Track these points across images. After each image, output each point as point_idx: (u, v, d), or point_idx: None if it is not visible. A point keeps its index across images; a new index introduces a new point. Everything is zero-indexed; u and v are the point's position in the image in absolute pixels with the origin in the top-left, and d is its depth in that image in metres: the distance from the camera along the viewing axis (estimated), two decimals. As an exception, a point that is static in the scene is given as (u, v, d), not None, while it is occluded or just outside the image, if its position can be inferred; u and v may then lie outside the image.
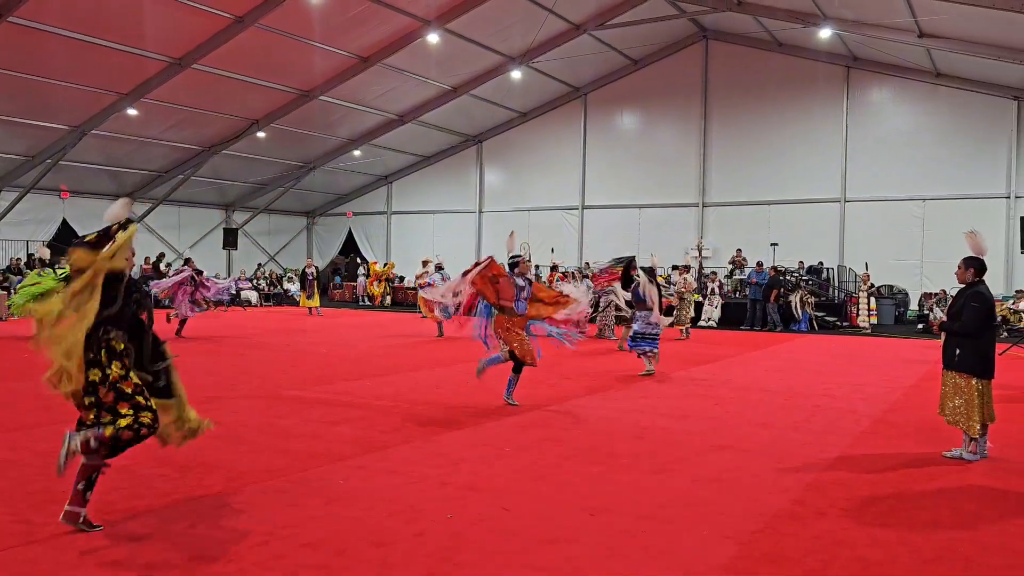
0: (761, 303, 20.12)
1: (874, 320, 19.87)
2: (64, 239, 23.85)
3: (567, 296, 8.65)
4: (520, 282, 8.36)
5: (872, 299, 20.02)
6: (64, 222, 23.94)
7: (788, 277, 21.11)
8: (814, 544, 4.24)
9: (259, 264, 29.82)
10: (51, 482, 4.62)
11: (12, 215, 22.61)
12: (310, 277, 23.49)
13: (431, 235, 29.42)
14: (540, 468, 5.72)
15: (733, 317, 20.77)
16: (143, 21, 17.12)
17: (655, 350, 10.90)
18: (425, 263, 20.15)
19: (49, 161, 21.97)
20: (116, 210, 4.62)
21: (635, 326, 11.01)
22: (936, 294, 20.40)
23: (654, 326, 10.87)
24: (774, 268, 20.67)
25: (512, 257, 8.58)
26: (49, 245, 21.04)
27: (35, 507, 4.56)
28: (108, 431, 4.23)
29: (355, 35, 19.91)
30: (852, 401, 8.95)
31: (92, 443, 4.21)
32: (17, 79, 18.29)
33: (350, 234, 31.63)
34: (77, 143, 21.40)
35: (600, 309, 16.50)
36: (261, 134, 24.01)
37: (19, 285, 15.45)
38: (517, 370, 8.35)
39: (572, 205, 27.45)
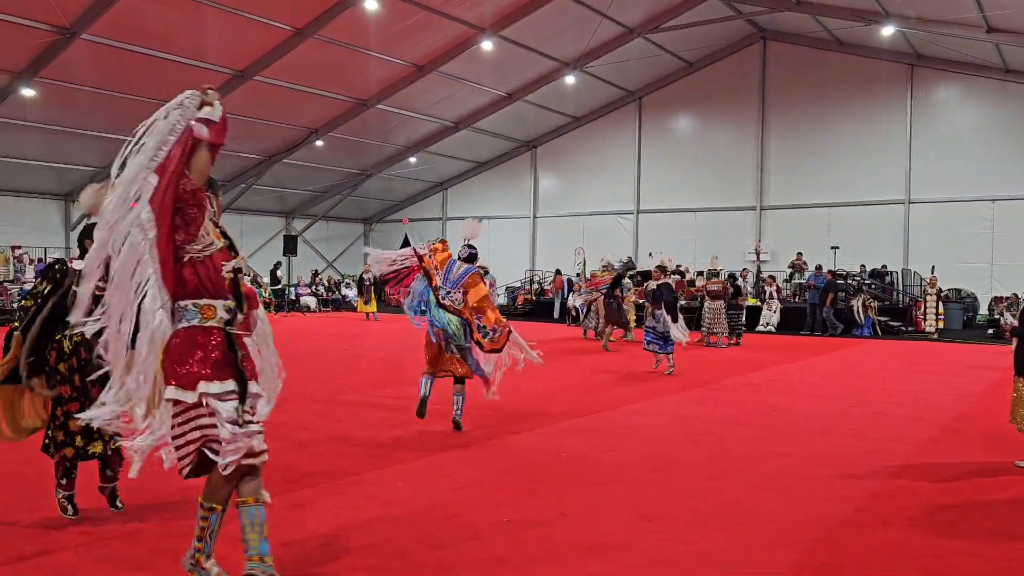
0: (820, 307, 19.70)
1: (941, 325, 19.27)
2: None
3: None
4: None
5: (939, 303, 19.42)
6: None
7: (849, 281, 20.63)
8: (876, 554, 4.15)
9: (314, 271, 30.39)
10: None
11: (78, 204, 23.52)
12: (367, 283, 23.86)
13: (486, 241, 29.48)
14: (595, 473, 5.72)
15: (793, 322, 20.37)
16: (207, 35, 17.68)
17: (669, 351, 11.39)
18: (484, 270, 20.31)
19: (119, 172, 22.78)
20: (89, 200, 4.39)
21: (648, 323, 11.62)
22: (1007, 298, 19.70)
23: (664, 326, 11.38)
24: (831, 272, 20.23)
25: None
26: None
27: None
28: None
29: (411, 44, 20.20)
30: (917, 408, 8.71)
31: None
32: (90, 94, 19.07)
33: (406, 240, 31.94)
34: (145, 154, 22.15)
35: (587, 312, 16.69)
36: (320, 143, 24.51)
37: None
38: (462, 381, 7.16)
39: (627, 209, 27.32)
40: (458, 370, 7.01)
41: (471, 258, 7.21)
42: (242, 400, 3.33)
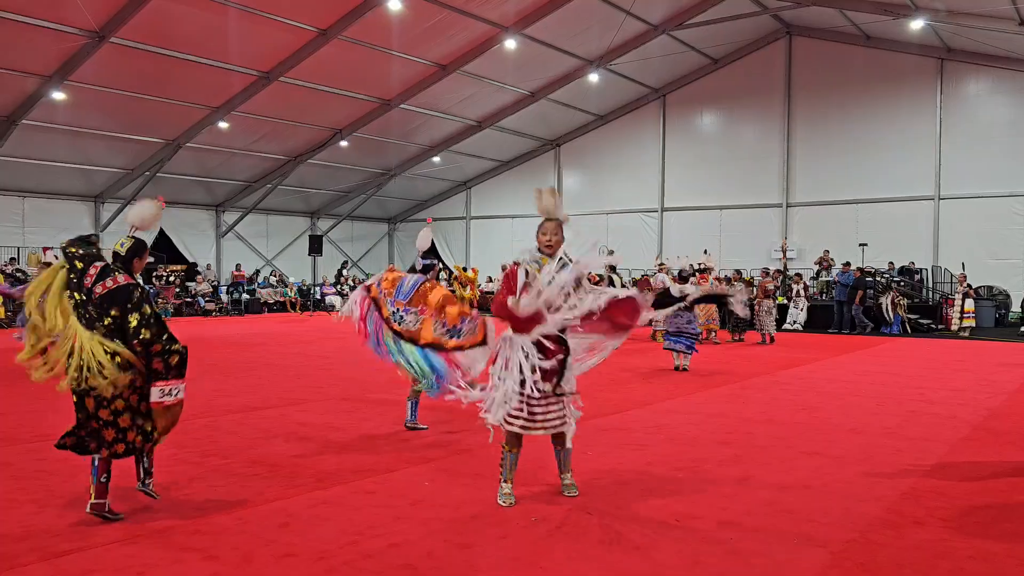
0: (846, 305, 19.47)
1: (971, 323, 18.96)
2: (161, 247, 24.99)
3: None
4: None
5: (969, 300, 19.11)
6: (161, 231, 25.07)
7: (877, 278, 20.37)
8: (911, 555, 4.07)
9: (342, 264, 30.69)
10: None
11: (113, 225, 23.89)
12: (392, 282, 23.95)
13: (509, 240, 29.58)
14: (622, 473, 5.68)
15: (820, 320, 20.16)
16: (232, 38, 17.85)
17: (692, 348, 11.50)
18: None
19: (148, 174, 23.09)
20: (149, 216, 4.70)
21: (670, 327, 11.52)
22: (1040, 295, 19.34)
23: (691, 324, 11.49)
24: (859, 269, 19.98)
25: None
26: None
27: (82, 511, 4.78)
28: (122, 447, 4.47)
29: (434, 43, 20.25)
30: (950, 406, 8.56)
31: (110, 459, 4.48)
32: (119, 96, 19.33)
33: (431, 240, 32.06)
34: (173, 156, 22.42)
35: None
36: (344, 143, 24.64)
37: None
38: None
39: (651, 208, 27.19)
40: None
41: (425, 269, 6.77)
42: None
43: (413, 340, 6.21)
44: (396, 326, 6.29)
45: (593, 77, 23.63)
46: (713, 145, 26.13)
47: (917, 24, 19.39)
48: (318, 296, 28.11)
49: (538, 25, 20.04)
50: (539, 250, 4.94)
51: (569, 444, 5.01)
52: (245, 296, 26.28)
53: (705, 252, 17.66)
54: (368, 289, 6.63)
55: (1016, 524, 4.60)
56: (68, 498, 4.88)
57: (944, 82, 22.39)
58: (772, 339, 16.44)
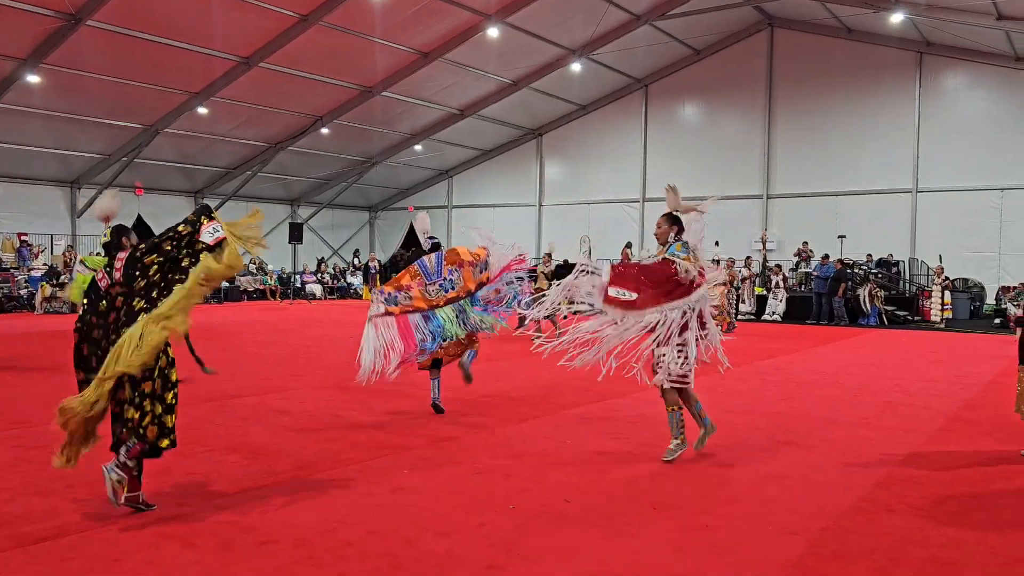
0: (827, 297, 19.64)
1: (948, 315, 19.21)
2: (139, 234, 24.67)
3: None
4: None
5: (946, 293, 19.34)
6: (139, 218, 24.71)
7: (856, 270, 20.57)
8: (884, 542, 4.13)
9: (354, 253, 30.98)
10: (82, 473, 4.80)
11: (90, 212, 23.57)
12: (373, 271, 23.89)
13: (492, 229, 29.46)
14: (602, 462, 5.72)
15: (798, 311, 20.33)
16: (212, 22, 17.63)
17: None
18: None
19: (125, 159, 22.81)
20: (108, 205, 4.91)
21: None
22: (1015, 287, 19.60)
23: None
24: (840, 261, 20.15)
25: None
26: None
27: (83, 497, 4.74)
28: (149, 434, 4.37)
29: (416, 31, 20.12)
30: (925, 397, 8.68)
31: (130, 463, 4.34)
32: (96, 80, 19.05)
33: (411, 228, 31.90)
34: (151, 141, 22.16)
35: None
36: (325, 130, 24.45)
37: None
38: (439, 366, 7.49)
39: (633, 198, 27.24)
40: (453, 352, 7.34)
41: (435, 247, 7.43)
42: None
43: (468, 293, 6.93)
44: (450, 294, 6.90)
45: (576, 67, 23.60)
46: (695, 136, 26.21)
47: (897, 18, 19.54)
48: (298, 284, 27.97)
49: (521, 14, 19.97)
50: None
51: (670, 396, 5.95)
52: (224, 284, 26.09)
53: (716, 244, 17.88)
54: (389, 311, 6.84)
55: (988, 513, 4.68)
56: (44, 485, 4.84)
57: (923, 75, 22.58)
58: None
